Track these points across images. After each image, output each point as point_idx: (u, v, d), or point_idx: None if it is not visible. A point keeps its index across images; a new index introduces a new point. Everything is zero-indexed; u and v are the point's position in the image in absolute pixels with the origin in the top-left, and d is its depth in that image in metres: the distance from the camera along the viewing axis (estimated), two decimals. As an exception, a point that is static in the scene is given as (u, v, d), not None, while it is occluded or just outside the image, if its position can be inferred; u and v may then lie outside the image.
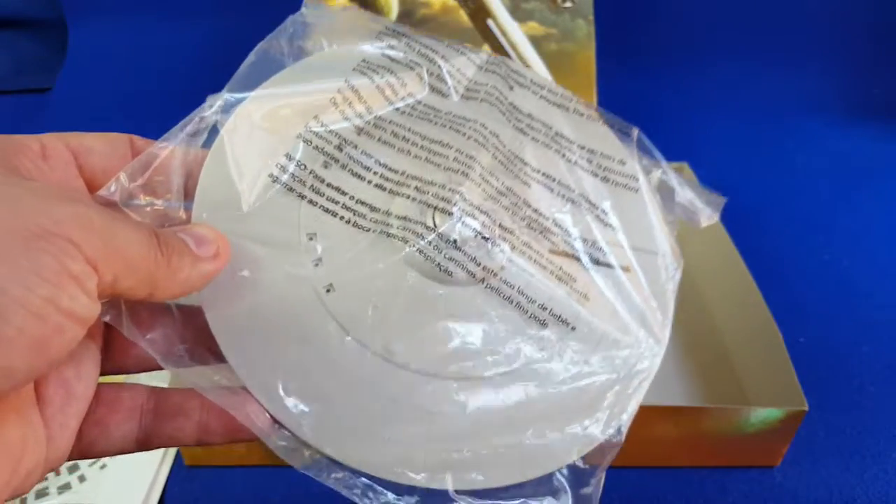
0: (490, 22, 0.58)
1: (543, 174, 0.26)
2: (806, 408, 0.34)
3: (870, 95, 0.69)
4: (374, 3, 0.58)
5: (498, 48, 0.57)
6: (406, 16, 0.58)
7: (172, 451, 0.38)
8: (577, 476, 0.22)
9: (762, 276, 0.41)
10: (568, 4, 0.58)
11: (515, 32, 0.57)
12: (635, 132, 0.28)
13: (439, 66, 0.26)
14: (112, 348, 0.21)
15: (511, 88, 0.27)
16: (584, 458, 0.22)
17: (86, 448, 0.20)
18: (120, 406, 0.20)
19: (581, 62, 0.57)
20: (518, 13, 0.58)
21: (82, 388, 0.19)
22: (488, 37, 0.58)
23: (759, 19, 0.72)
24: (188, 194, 0.22)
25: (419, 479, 0.21)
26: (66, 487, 0.36)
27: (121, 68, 0.74)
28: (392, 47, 0.26)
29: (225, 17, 0.74)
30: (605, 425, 0.22)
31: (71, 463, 0.38)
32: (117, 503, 0.36)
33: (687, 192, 0.27)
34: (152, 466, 0.37)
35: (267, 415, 0.21)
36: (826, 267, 0.51)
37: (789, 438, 0.36)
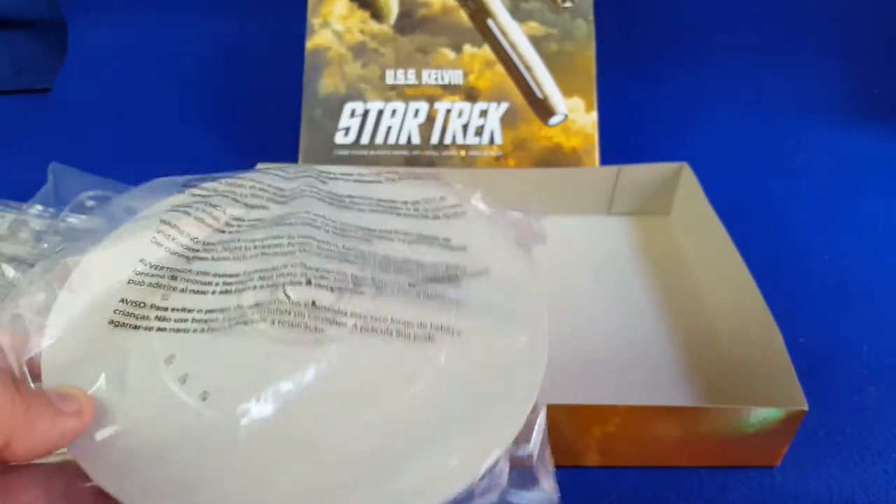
0: (490, 22, 0.58)
1: (380, 230, 0.27)
2: (806, 408, 0.34)
3: (870, 95, 0.69)
4: (374, 2, 0.58)
5: (498, 48, 0.57)
6: (406, 16, 0.58)
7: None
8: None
9: (762, 276, 0.41)
10: (568, 4, 0.58)
11: (515, 32, 0.57)
12: (441, 175, 0.31)
13: (250, 187, 0.29)
14: None
15: (325, 183, 0.30)
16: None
17: None
18: None
19: (581, 62, 0.57)
20: (518, 13, 0.58)
21: None
22: (488, 37, 0.58)
23: (759, 20, 0.72)
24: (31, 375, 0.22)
25: None
26: (66, 487, 0.36)
27: (121, 68, 0.74)
28: (197, 191, 0.29)
29: (225, 17, 0.74)
30: None
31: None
32: (117, 503, 0.36)
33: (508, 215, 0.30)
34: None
35: None
36: (826, 267, 0.51)
37: (789, 438, 0.36)
